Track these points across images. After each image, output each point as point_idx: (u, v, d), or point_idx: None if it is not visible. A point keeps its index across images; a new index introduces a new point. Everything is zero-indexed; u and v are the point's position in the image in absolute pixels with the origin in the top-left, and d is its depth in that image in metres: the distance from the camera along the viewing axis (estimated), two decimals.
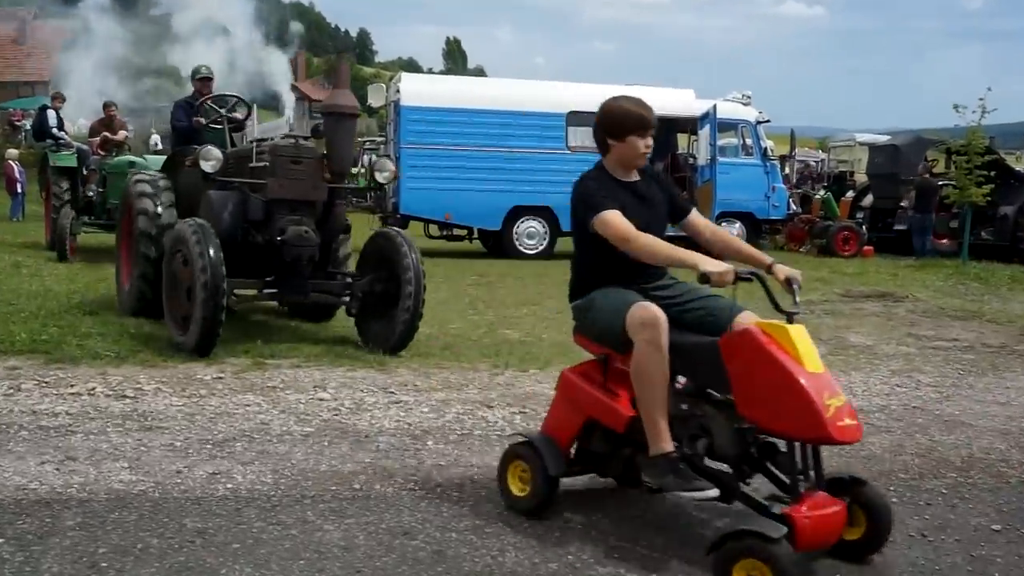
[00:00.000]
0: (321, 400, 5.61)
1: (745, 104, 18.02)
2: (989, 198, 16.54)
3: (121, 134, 13.82)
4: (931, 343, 8.48)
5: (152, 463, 4.34)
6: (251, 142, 7.58)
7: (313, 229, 6.95)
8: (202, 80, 9.29)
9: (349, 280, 7.32)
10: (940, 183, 18.58)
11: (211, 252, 6.31)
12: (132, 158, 12.75)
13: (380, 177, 7.69)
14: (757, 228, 18.11)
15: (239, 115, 8.99)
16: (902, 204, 19.60)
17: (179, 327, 6.71)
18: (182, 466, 4.32)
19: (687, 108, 17.35)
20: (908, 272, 14.80)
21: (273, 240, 6.86)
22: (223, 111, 8.87)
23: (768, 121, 18.27)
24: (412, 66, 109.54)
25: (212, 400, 5.52)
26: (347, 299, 7.30)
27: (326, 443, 4.77)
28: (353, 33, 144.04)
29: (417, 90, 16.50)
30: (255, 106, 9.30)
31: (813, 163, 32.63)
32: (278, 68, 9.78)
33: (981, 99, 15.73)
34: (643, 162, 3.80)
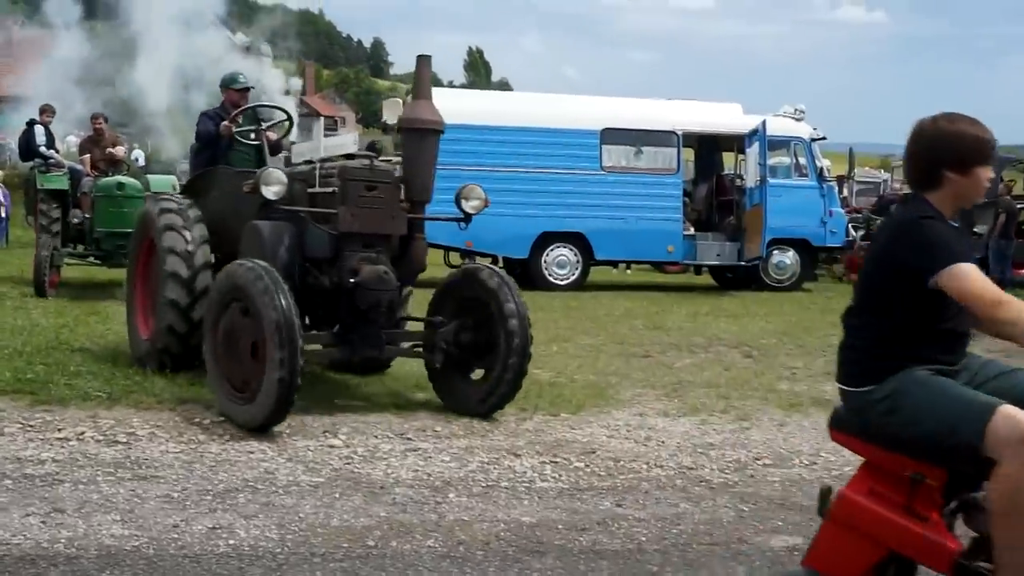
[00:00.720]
0: (332, 447, 5.62)
1: (798, 119, 18.01)
2: None
3: (119, 150, 13.40)
4: None
5: (146, 516, 4.36)
6: (307, 162, 7.04)
7: (391, 269, 6.34)
8: (240, 91, 8.37)
9: (431, 328, 6.62)
10: (1021, 205, 18.46)
11: (283, 301, 5.61)
12: (121, 178, 12.45)
13: (468, 207, 6.81)
14: (813, 257, 18.04)
15: (273, 135, 8.31)
16: (976, 230, 19.45)
17: (237, 394, 5.92)
18: (179, 519, 4.33)
19: (734, 124, 17.37)
20: None
21: (343, 283, 6.24)
22: (262, 126, 8.19)
23: (824, 138, 18.24)
24: (431, 79, 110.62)
25: (212, 446, 5.54)
26: (423, 350, 6.69)
27: (337, 495, 4.77)
28: (367, 43, 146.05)
29: (436, 105, 16.63)
30: (294, 122, 8.72)
31: (891, 183, 32.47)
32: (273, 83, 9.78)
33: None
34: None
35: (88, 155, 13.39)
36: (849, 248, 19.23)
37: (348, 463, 5.34)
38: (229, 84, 8.41)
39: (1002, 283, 17.46)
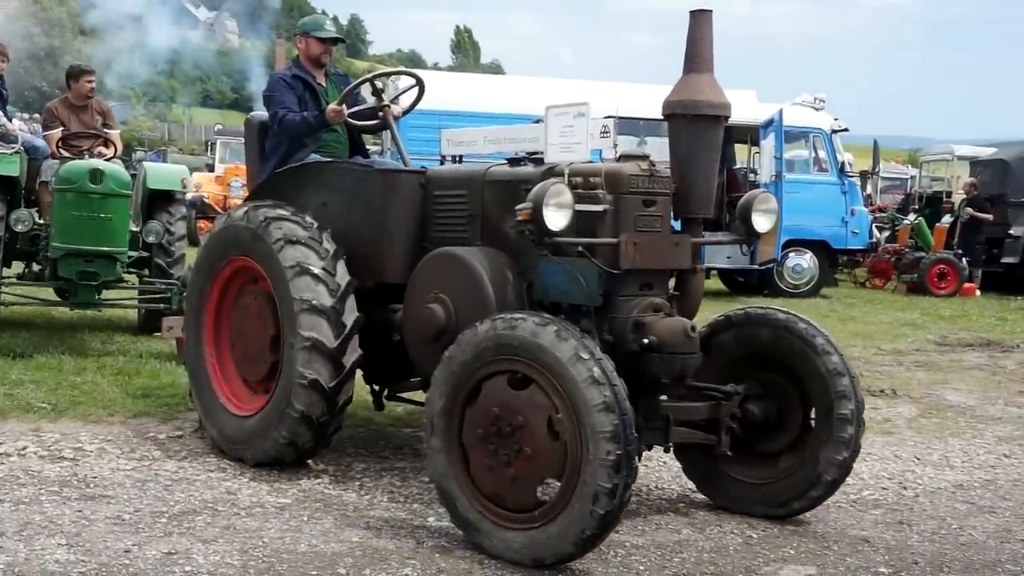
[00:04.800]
0: (300, 465, 5.61)
1: (818, 109, 18.09)
2: None
3: (114, 134, 9.74)
4: None
5: (95, 539, 4.36)
6: (529, 160, 5.36)
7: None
8: (326, 43, 6.45)
9: (716, 400, 5.03)
10: None
11: (608, 373, 4.14)
12: (100, 164, 8.74)
13: (761, 222, 5.16)
14: (833, 260, 18.10)
15: (398, 109, 6.56)
16: (1012, 232, 19.57)
17: (505, 511, 4.36)
18: (131, 544, 4.33)
19: (747, 114, 17.40)
20: (1019, 315, 14.73)
21: (623, 343, 4.71)
22: (384, 100, 6.43)
23: (846, 130, 18.32)
24: (414, 60, 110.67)
25: (168, 464, 5.54)
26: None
27: (305, 518, 4.78)
28: (343, 20, 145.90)
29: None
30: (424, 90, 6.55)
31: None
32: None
33: None
34: None
35: (59, 128, 9.43)
36: (873, 251, 19.30)
37: (318, 483, 5.35)
38: (311, 30, 6.42)
39: None
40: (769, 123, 16.88)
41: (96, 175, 8.51)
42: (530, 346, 4.21)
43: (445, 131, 6.91)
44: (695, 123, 4.98)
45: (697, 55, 5.01)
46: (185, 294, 6.07)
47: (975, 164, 22.91)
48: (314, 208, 5.67)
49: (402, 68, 7.16)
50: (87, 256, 8.52)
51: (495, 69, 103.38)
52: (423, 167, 5.93)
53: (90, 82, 9.70)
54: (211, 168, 25.95)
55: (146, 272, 9.57)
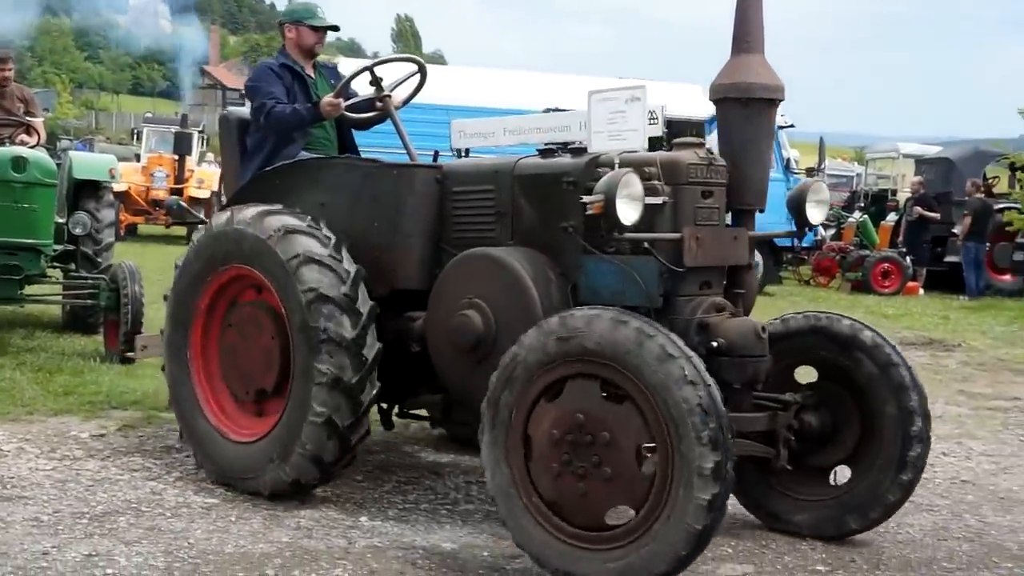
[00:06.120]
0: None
1: None
2: None
3: (37, 121, 9.47)
4: (987, 403, 8.61)
5: (11, 542, 4.30)
6: (563, 150, 5.03)
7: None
8: (318, 30, 6.03)
9: (775, 410, 4.71)
10: (1000, 205, 18.96)
11: (701, 373, 3.89)
12: (23, 151, 8.49)
13: (815, 213, 5.02)
14: (778, 257, 18.32)
15: (398, 98, 6.15)
16: (955, 231, 19.97)
17: (580, 531, 4.05)
18: (50, 546, 4.28)
19: (694, 108, 17.60)
20: (961, 315, 15.03)
21: (690, 347, 4.11)
22: (384, 90, 6.01)
23: (791, 126, 18.56)
24: (354, 48, 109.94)
25: (90, 463, 5.48)
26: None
27: (233, 518, 4.76)
28: (279, 6, 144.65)
29: (359, 78, 16.58)
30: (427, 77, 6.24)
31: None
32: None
33: None
34: None
35: None
36: (818, 249, 19.58)
37: None
38: (304, 18, 6.02)
39: (977, 290, 17.93)
40: (714, 118, 17.04)
41: (19, 163, 8.25)
42: (610, 349, 3.93)
43: (456, 122, 6.52)
44: (749, 107, 4.74)
45: (747, 34, 4.74)
46: (167, 310, 5.51)
47: (920, 162, 23.34)
48: (311, 209, 5.22)
49: (404, 54, 6.56)
50: (9, 249, 8.26)
51: (438, 59, 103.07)
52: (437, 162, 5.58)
53: (7, 69, 9.46)
54: (139, 158, 25.11)
55: (72, 267, 9.28)
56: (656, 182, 4.48)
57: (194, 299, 5.37)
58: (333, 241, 4.98)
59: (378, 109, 6.00)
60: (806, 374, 4.99)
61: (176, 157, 23.65)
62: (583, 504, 3.97)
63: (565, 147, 5.02)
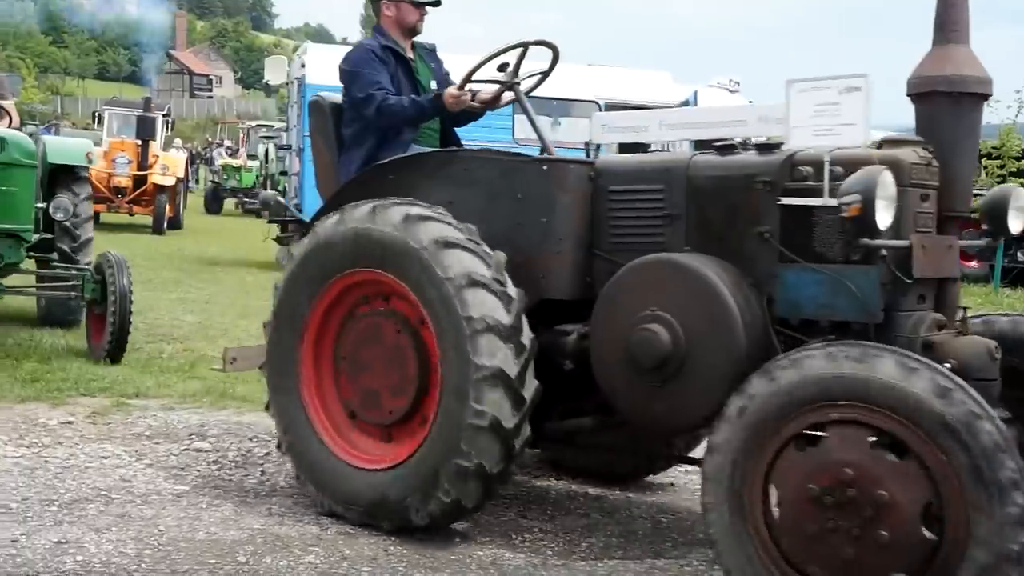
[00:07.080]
0: (198, 451, 5.59)
1: (732, 92, 18.37)
2: None
3: (7, 104, 9.20)
4: None
5: None
6: (744, 146, 4.53)
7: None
8: (419, 7, 5.40)
9: None
10: None
11: (998, 434, 3.38)
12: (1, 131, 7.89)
13: (1016, 222, 4.44)
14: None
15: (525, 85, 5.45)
16: None
17: None
18: (18, 533, 4.26)
19: (662, 95, 17.64)
20: None
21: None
22: (517, 77, 5.34)
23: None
24: (322, 35, 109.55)
25: (58, 451, 5.46)
26: None
27: (204, 505, 4.75)
28: None
29: (327, 65, 16.47)
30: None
31: None
32: None
33: (1018, 91, 16.31)
34: None
35: None
36: None
37: (217, 469, 5.33)
38: None
39: None
40: (684, 105, 17.10)
41: None
42: (900, 398, 3.41)
43: (598, 115, 6.06)
44: (960, 103, 4.30)
45: (953, 22, 4.30)
46: (270, 322, 4.92)
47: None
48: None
49: (536, 39, 5.18)
50: None
51: None
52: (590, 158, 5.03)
53: None
54: (99, 143, 24.20)
55: (54, 256, 8.61)
56: (854, 183, 3.95)
57: (308, 310, 4.76)
58: (495, 260, 4.41)
59: (498, 99, 5.37)
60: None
61: (139, 142, 22.69)
62: (849, 572, 3.45)
63: (745, 144, 4.56)
